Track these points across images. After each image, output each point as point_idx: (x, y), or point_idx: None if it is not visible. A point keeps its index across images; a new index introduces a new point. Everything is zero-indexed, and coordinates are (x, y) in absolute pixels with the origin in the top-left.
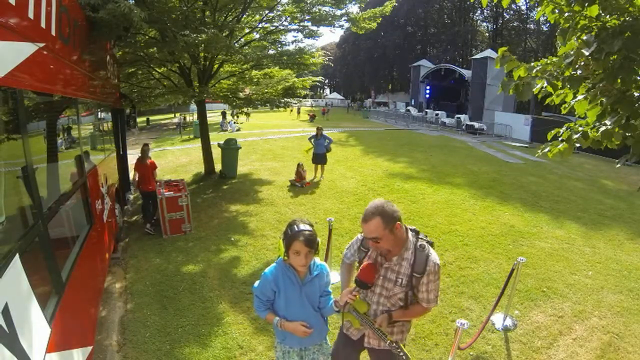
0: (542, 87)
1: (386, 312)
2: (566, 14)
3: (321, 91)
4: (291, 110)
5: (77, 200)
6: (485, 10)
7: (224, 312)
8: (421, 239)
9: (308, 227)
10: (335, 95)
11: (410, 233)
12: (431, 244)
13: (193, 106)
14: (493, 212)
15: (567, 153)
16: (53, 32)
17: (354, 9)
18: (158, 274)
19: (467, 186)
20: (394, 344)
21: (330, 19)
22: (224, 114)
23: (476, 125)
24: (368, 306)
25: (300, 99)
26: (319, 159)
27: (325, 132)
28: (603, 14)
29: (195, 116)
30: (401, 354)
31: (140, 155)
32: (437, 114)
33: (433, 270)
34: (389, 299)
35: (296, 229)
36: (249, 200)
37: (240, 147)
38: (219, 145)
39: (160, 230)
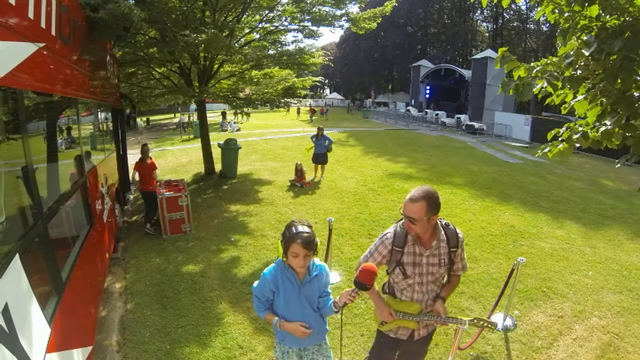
0: (542, 87)
1: (435, 297)
2: (566, 14)
3: (321, 91)
4: (288, 111)
5: (77, 200)
6: (485, 10)
7: (224, 312)
8: (440, 219)
9: (306, 229)
10: (335, 95)
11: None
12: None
13: (193, 106)
14: (493, 212)
15: (567, 153)
16: (53, 32)
17: (354, 9)
18: (158, 274)
19: (467, 186)
20: (475, 320)
21: (330, 19)
22: (224, 114)
23: (476, 125)
24: (420, 305)
25: (300, 99)
26: (320, 159)
27: (325, 132)
28: (603, 14)
29: (196, 116)
30: (485, 325)
31: (140, 155)
32: (437, 114)
33: (462, 239)
34: (436, 283)
35: (294, 230)
36: (249, 200)
37: (240, 147)
38: (219, 145)
39: (160, 230)
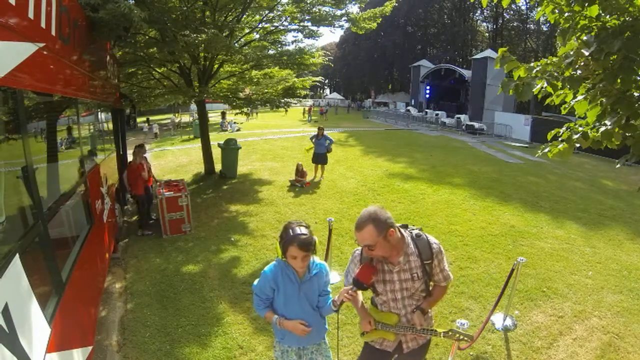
0: (542, 88)
1: (416, 309)
2: (566, 14)
3: (321, 91)
4: (286, 112)
5: (77, 200)
6: (485, 10)
7: (224, 312)
8: (411, 230)
9: (304, 230)
10: (335, 95)
11: (401, 230)
12: (420, 230)
13: (193, 106)
14: (493, 212)
15: (567, 153)
16: (53, 32)
17: (354, 9)
18: (158, 274)
19: (467, 186)
20: (450, 332)
21: (330, 19)
22: (223, 114)
23: (476, 125)
24: (398, 316)
25: (300, 99)
26: (320, 158)
27: (325, 132)
28: (603, 14)
29: (196, 116)
30: (461, 337)
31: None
32: (437, 114)
33: (438, 250)
34: (413, 297)
35: (291, 233)
36: (249, 200)
37: (240, 147)
38: (219, 145)
39: (160, 230)
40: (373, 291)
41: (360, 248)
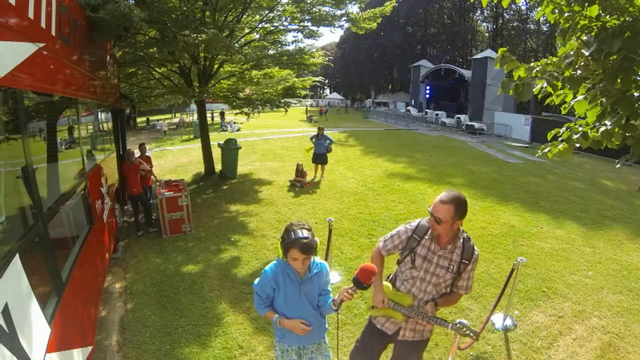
0: (542, 88)
1: (431, 300)
2: (566, 14)
3: (321, 91)
4: (286, 112)
5: (77, 200)
6: (485, 10)
7: (224, 312)
8: (464, 232)
9: (305, 234)
10: (335, 95)
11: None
12: None
13: (193, 106)
14: (493, 212)
15: (567, 153)
16: (53, 32)
17: (354, 9)
18: (158, 274)
19: (467, 186)
20: (458, 325)
21: (330, 19)
22: (222, 114)
23: (476, 125)
24: (413, 298)
25: (300, 99)
26: (320, 159)
27: (325, 132)
28: (603, 14)
29: (196, 116)
30: (468, 332)
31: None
32: (437, 114)
33: (476, 258)
34: (436, 287)
35: (293, 236)
36: (249, 200)
37: (240, 147)
38: (219, 145)
39: (160, 229)
40: (411, 261)
41: (417, 221)
